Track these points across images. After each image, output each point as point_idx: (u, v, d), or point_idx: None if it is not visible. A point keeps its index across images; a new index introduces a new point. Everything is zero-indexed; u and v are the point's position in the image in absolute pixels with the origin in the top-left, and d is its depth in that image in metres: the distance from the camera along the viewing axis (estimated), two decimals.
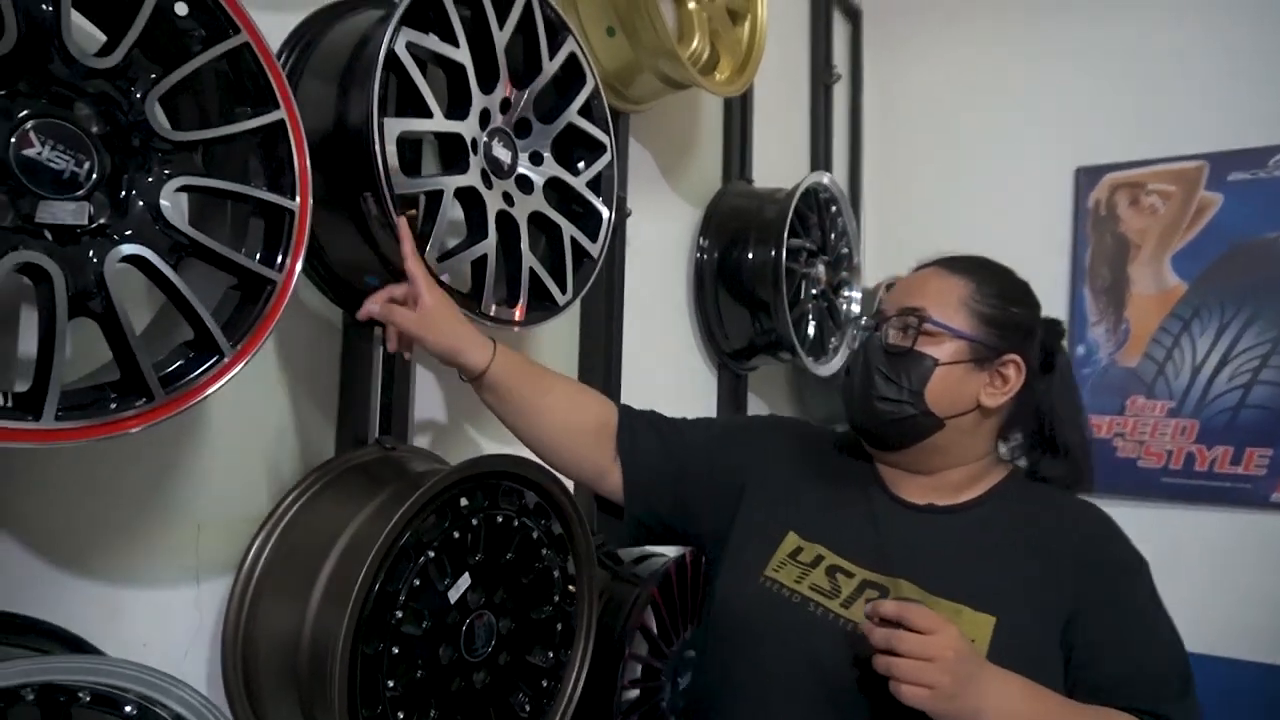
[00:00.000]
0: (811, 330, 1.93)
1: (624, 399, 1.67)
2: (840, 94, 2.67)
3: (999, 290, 1.06)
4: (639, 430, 1.18)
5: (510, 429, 1.14)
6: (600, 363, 1.62)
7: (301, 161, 0.86)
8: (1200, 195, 2.30)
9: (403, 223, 0.96)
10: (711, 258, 1.91)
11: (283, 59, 1.07)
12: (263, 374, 1.09)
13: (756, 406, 2.16)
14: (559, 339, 1.57)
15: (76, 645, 0.89)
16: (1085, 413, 1.13)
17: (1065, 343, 1.13)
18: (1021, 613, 0.96)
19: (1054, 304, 2.49)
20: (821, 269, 1.96)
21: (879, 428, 1.07)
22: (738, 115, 2.06)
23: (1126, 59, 2.43)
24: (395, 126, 0.96)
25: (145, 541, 0.98)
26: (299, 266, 0.86)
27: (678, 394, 1.89)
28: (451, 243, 1.10)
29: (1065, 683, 0.96)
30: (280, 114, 0.84)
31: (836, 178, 2.61)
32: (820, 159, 2.48)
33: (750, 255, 1.84)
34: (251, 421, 1.08)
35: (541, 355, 1.52)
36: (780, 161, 2.30)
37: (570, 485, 1.21)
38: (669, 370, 1.87)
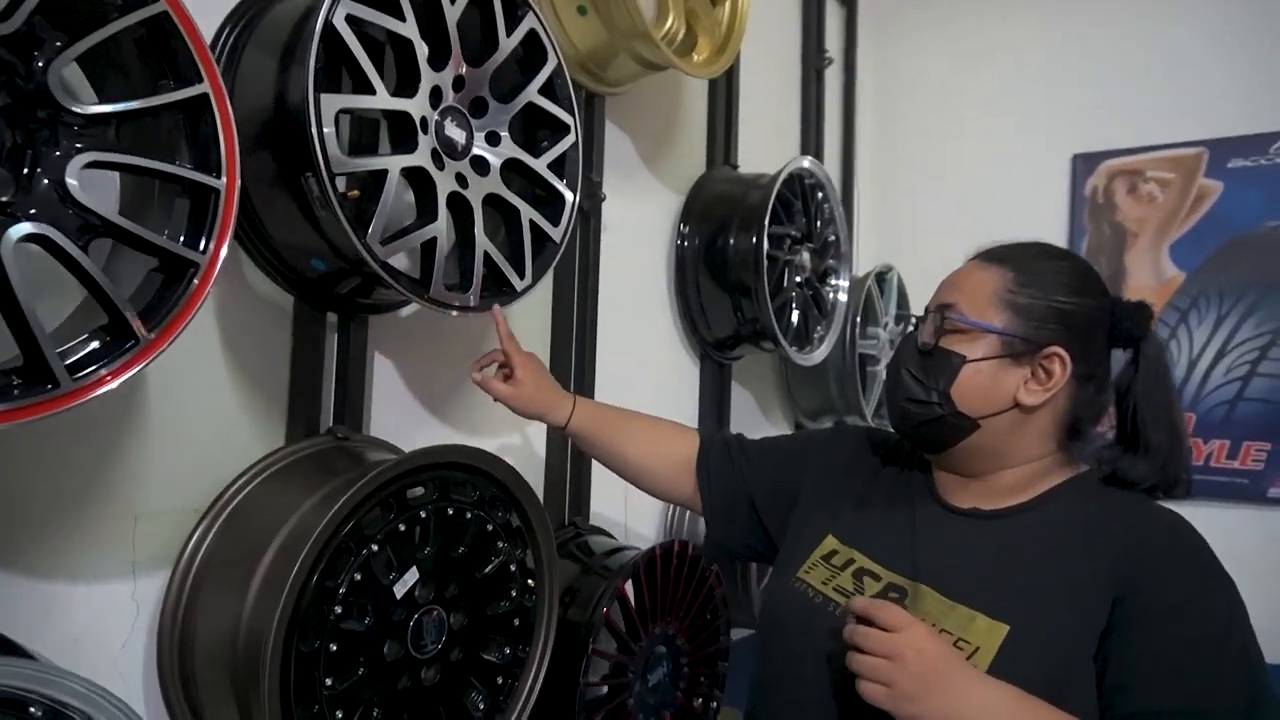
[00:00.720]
0: (795, 319, 1.89)
1: (600, 388, 1.64)
2: (833, 79, 2.62)
3: (1043, 278, 0.96)
4: (714, 460, 1.24)
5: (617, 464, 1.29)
6: (572, 351, 1.58)
7: (228, 138, 0.82)
8: (1199, 183, 2.24)
9: (496, 311, 1.17)
10: (693, 245, 1.86)
11: (226, 32, 1.03)
12: (206, 360, 1.06)
13: (741, 397, 2.12)
14: (531, 326, 1.53)
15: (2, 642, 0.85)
16: (1178, 409, 0.99)
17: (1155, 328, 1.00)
18: (1043, 624, 0.88)
19: None
20: (806, 256, 1.92)
21: (911, 430, 1.02)
22: (722, 99, 2.01)
23: (1125, 43, 2.37)
24: (334, 103, 0.92)
25: (79, 534, 0.94)
26: (225, 248, 0.82)
27: (658, 383, 1.85)
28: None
29: (1100, 704, 0.87)
30: (203, 88, 0.80)
31: (829, 164, 2.57)
32: (811, 145, 2.43)
33: (732, 242, 1.79)
34: (194, 409, 1.05)
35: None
36: (769, 148, 2.25)
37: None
38: (649, 359, 1.84)
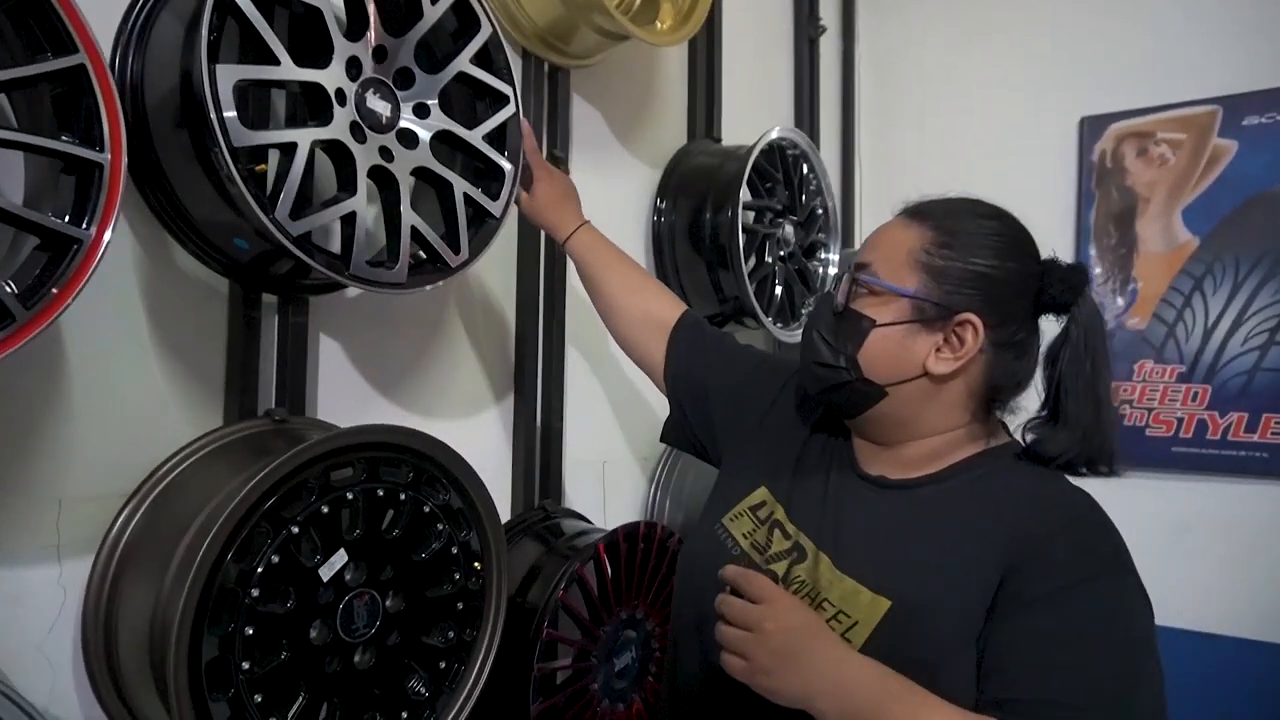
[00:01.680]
0: (778, 294, 1.83)
1: (573, 366, 1.61)
2: (831, 47, 2.55)
3: (964, 239, 0.90)
4: (688, 335, 1.24)
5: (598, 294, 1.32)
6: (539, 335, 1.55)
7: (111, 111, 0.80)
8: (1213, 143, 2.13)
9: (524, 123, 1.21)
10: (670, 220, 1.82)
11: (139, 4, 1.01)
12: (134, 344, 1.05)
13: None
14: (494, 305, 1.50)
15: None
16: (1106, 380, 0.92)
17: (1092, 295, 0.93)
18: (927, 601, 0.83)
19: None
20: (790, 230, 1.86)
21: (819, 394, 0.99)
22: (703, 69, 1.95)
23: (1133, 1, 2.26)
24: (231, 73, 0.89)
25: None
26: (111, 225, 0.80)
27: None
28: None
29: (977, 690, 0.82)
30: (79, 58, 0.78)
31: (827, 137, 2.50)
32: (805, 117, 2.36)
33: (708, 216, 1.74)
34: (123, 393, 1.04)
35: (474, 321, 1.46)
36: (759, 120, 2.18)
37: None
38: None
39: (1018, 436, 0.97)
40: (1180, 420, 2.15)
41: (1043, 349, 0.94)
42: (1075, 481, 0.91)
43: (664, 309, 1.27)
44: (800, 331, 1.84)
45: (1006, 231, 0.93)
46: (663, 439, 1.30)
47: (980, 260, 0.89)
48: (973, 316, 0.89)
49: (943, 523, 0.89)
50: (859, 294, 0.92)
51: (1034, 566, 0.81)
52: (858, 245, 2.48)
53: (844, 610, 0.85)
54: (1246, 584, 2.03)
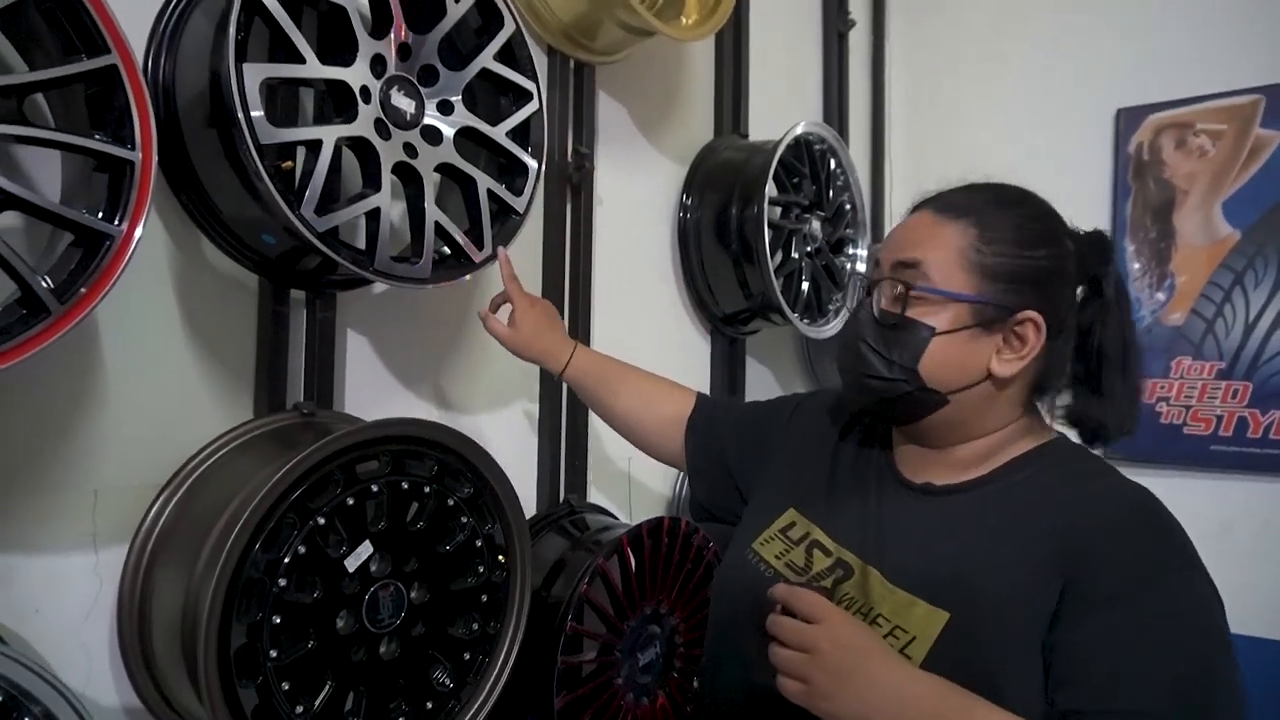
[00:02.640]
0: (805, 290, 1.82)
1: None
2: (861, 41, 2.52)
3: (1010, 232, 0.87)
4: (701, 419, 1.23)
5: (610, 415, 1.30)
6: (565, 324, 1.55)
7: (142, 110, 0.82)
8: (1255, 133, 2.07)
9: (501, 252, 1.18)
10: (696, 216, 1.81)
11: (171, 6, 1.03)
12: (167, 338, 1.07)
13: (756, 373, 2.07)
14: None
15: None
16: (1137, 350, 0.92)
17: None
18: (986, 610, 0.81)
19: None
20: (816, 225, 1.85)
21: (875, 406, 0.95)
22: (730, 64, 1.95)
23: None
24: (258, 72, 0.91)
25: (38, 507, 0.97)
26: (142, 221, 0.82)
27: (663, 360, 1.80)
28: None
29: (1045, 698, 0.79)
30: (111, 59, 0.80)
31: (856, 132, 2.48)
32: (834, 113, 2.34)
33: (734, 211, 1.74)
34: (156, 386, 1.06)
35: (501, 317, 1.47)
36: (787, 116, 2.16)
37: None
38: (654, 335, 1.80)
39: (1059, 432, 0.95)
40: (1220, 418, 2.10)
41: None
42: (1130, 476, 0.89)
43: (677, 407, 1.25)
44: (826, 328, 1.84)
45: (1041, 215, 0.90)
46: (695, 518, 1.30)
47: (1030, 253, 0.87)
48: (1034, 314, 0.86)
49: (995, 527, 0.85)
50: (912, 300, 0.88)
51: (1100, 567, 0.78)
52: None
53: (900, 625, 0.82)
54: None
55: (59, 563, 0.98)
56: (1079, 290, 0.92)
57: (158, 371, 1.06)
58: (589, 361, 1.28)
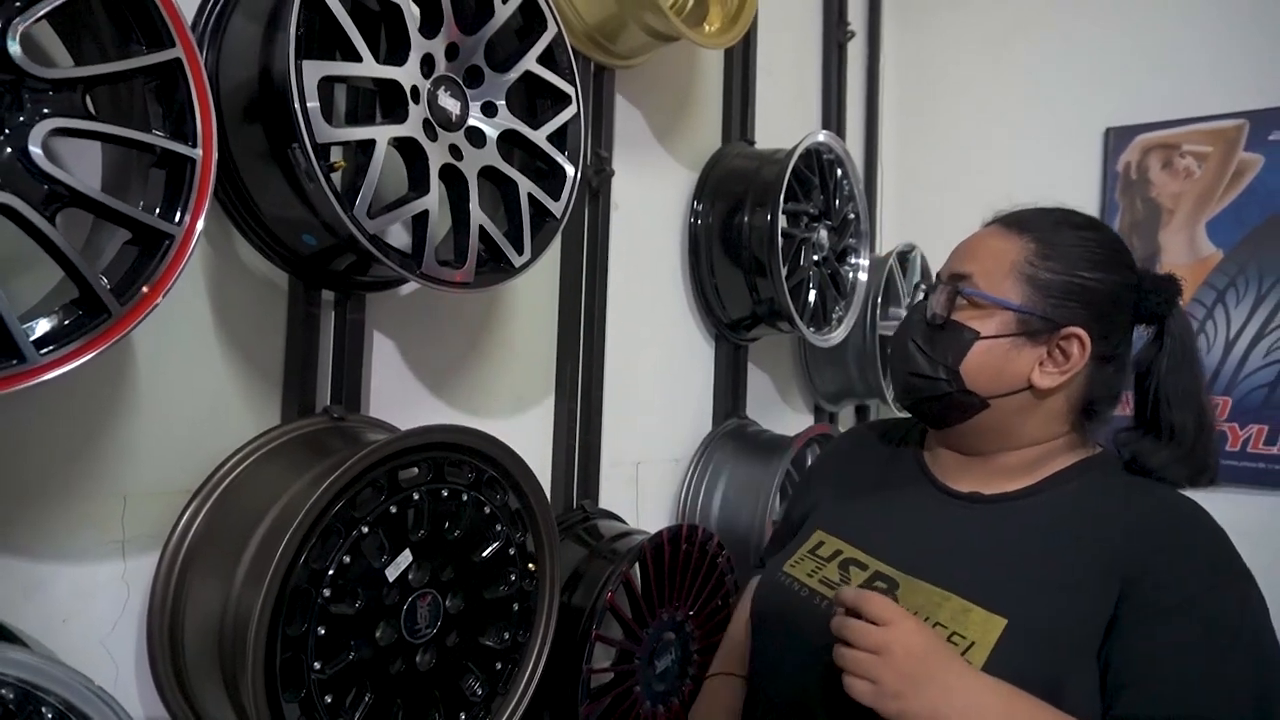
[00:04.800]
0: (812, 299, 1.84)
1: (609, 369, 1.60)
2: (857, 53, 2.55)
3: (1068, 250, 0.90)
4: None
5: None
6: (580, 331, 1.54)
7: (204, 106, 0.80)
8: (1239, 156, 2.15)
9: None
10: (706, 222, 1.82)
11: None
12: (198, 339, 1.04)
13: (758, 379, 2.08)
14: (537, 306, 1.49)
15: None
16: (1204, 391, 0.92)
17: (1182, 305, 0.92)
18: (1043, 617, 0.82)
19: None
20: (824, 234, 1.86)
21: (916, 405, 0.98)
22: (738, 73, 1.95)
23: (1160, 11, 2.27)
24: (316, 70, 0.88)
25: (65, 513, 0.93)
26: (201, 220, 0.79)
27: (670, 364, 1.81)
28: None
29: (1103, 702, 0.81)
30: (175, 52, 0.77)
31: (852, 141, 2.51)
32: (832, 120, 2.37)
33: (746, 219, 1.74)
34: (186, 388, 1.03)
35: (518, 320, 1.46)
36: (788, 123, 2.19)
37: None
38: (661, 340, 1.79)
39: (1105, 445, 0.97)
40: None
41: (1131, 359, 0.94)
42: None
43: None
44: (831, 336, 1.85)
45: (1106, 242, 0.92)
46: None
47: (1084, 273, 0.89)
48: (1079, 330, 0.88)
49: (1048, 535, 0.87)
50: (960, 305, 0.92)
51: (1157, 577, 0.80)
52: (880, 250, 2.49)
53: (958, 631, 0.83)
54: (1269, 597, 2.05)
55: (87, 571, 0.95)
56: (1139, 327, 0.94)
57: (188, 373, 1.03)
58: None
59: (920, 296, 1.01)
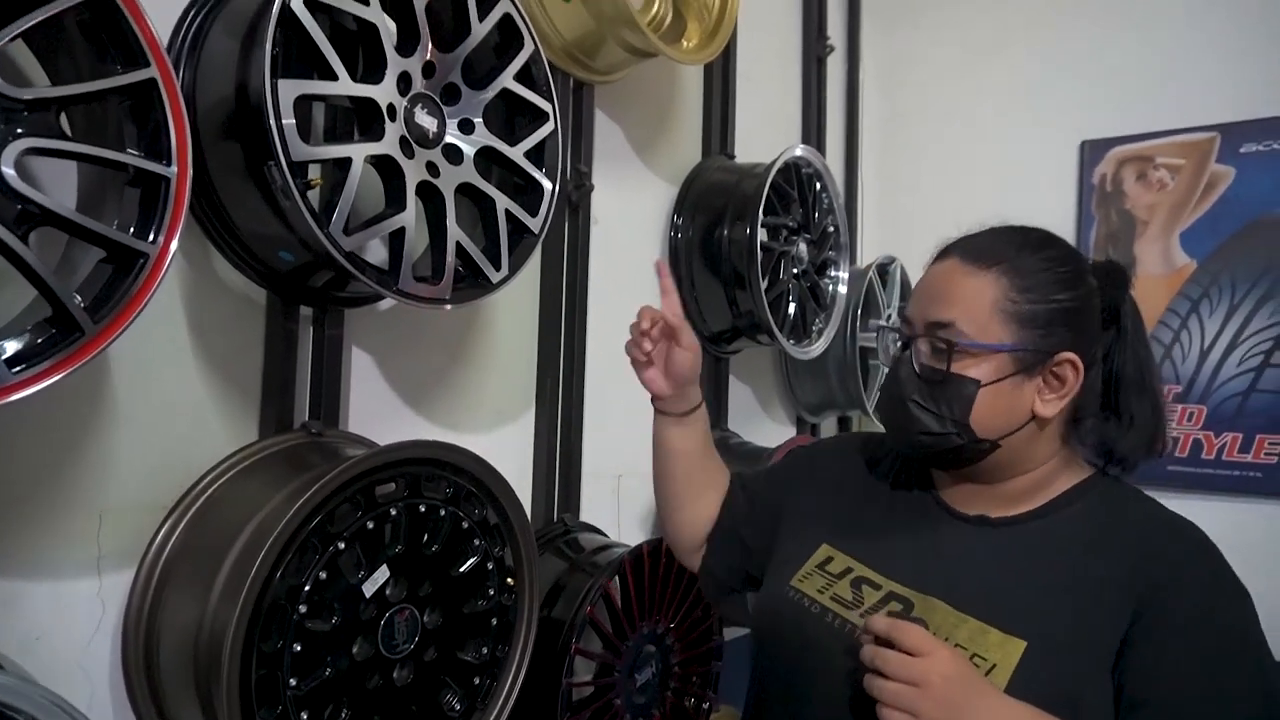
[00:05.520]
0: (792, 311, 1.85)
1: (590, 384, 1.61)
2: (836, 67, 2.57)
3: (1040, 277, 0.90)
4: (721, 511, 1.15)
5: (658, 474, 1.15)
6: (560, 347, 1.55)
7: (179, 124, 0.80)
8: (1212, 168, 2.18)
9: (661, 264, 1.09)
10: (687, 236, 1.83)
11: (191, 15, 1.01)
12: (175, 355, 1.04)
13: (739, 391, 2.09)
14: (517, 320, 1.50)
15: None
16: (1156, 373, 0.94)
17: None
18: (1061, 638, 0.83)
19: None
20: (803, 247, 1.88)
21: (927, 459, 0.97)
22: (718, 87, 1.97)
23: (1134, 27, 2.31)
24: (293, 89, 0.89)
25: (40, 531, 0.93)
26: (176, 238, 0.80)
27: None
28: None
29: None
30: (150, 72, 0.78)
31: (832, 154, 2.53)
32: (812, 134, 2.39)
33: (725, 232, 1.76)
34: (163, 404, 1.03)
35: (498, 334, 1.46)
36: (769, 137, 2.21)
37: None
38: None
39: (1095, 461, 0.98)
40: (1176, 440, 2.19)
41: None
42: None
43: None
44: (811, 349, 1.87)
45: (1067, 258, 0.93)
46: (709, 597, 1.23)
47: (1059, 296, 0.89)
48: (1071, 355, 0.89)
49: (1059, 557, 0.88)
50: (955, 356, 0.89)
51: (1167, 597, 0.82)
52: (861, 261, 2.51)
53: (979, 653, 0.83)
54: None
55: (62, 588, 0.95)
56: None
57: (165, 389, 1.03)
58: (705, 415, 1.14)
59: (895, 343, 0.98)
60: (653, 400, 1.10)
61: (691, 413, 1.10)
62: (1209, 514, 2.24)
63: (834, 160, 2.56)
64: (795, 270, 1.86)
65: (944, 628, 0.86)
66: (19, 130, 0.72)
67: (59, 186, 0.90)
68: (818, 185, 1.92)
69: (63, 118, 0.84)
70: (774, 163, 1.75)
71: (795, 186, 1.84)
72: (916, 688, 0.76)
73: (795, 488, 1.10)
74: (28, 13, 0.72)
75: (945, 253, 0.95)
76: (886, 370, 1.00)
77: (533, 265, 1.51)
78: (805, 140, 2.38)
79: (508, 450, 1.49)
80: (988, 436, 0.90)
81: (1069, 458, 0.95)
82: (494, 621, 1.14)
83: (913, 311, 0.94)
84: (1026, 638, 0.82)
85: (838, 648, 0.88)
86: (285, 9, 0.88)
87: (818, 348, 1.90)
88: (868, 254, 2.62)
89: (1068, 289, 0.90)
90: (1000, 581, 0.88)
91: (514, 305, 1.49)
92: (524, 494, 1.52)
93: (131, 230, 0.79)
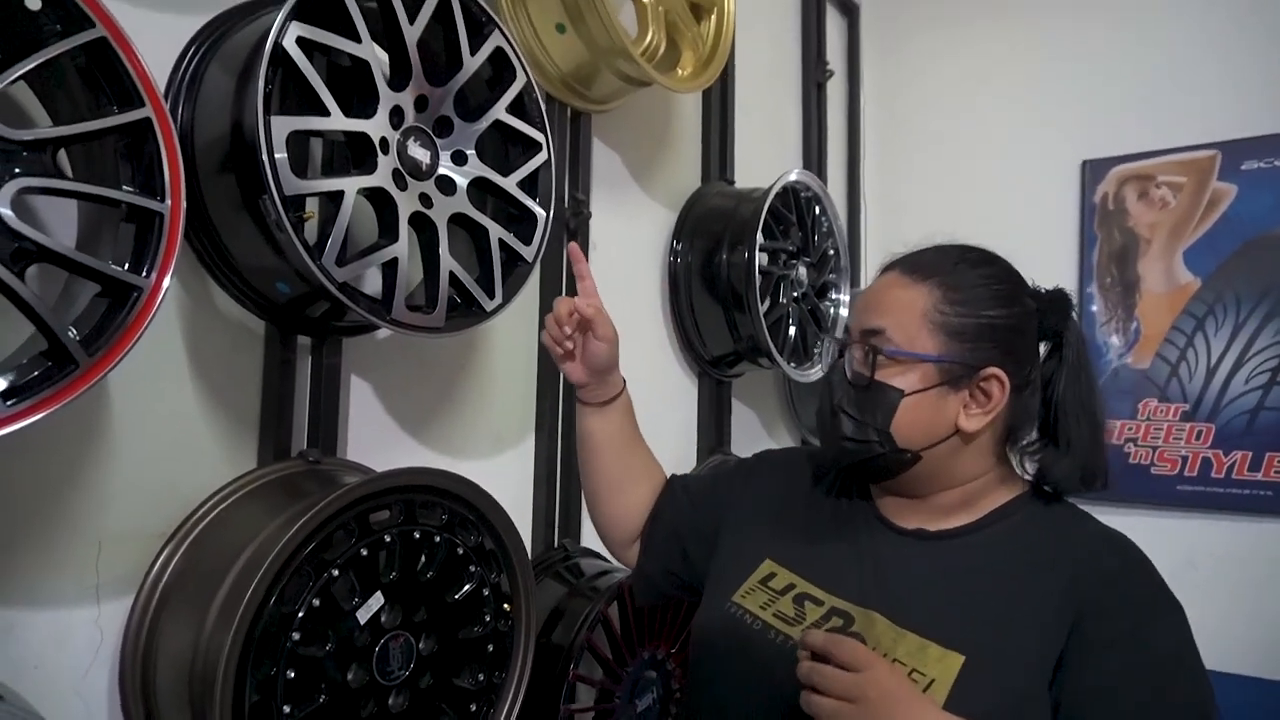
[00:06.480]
0: (792, 334, 1.86)
1: None
2: (837, 91, 2.60)
3: (973, 292, 0.91)
4: (660, 503, 1.16)
5: (582, 463, 1.17)
6: (559, 371, 1.56)
7: (173, 162, 0.82)
8: (1213, 186, 2.18)
9: (574, 250, 1.09)
10: (686, 261, 1.84)
11: (190, 53, 1.04)
12: (174, 385, 1.06)
13: (743, 415, 2.09)
14: (515, 347, 1.52)
15: None
16: (1098, 403, 0.95)
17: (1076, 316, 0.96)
18: (999, 653, 0.83)
19: None
20: (803, 271, 1.89)
21: (851, 467, 0.97)
22: (716, 114, 1.99)
23: (1133, 47, 2.32)
24: (285, 125, 0.91)
25: (40, 558, 0.94)
26: (170, 272, 0.82)
27: (654, 402, 1.83)
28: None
29: None
30: (145, 112, 0.80)
31: (834, 178, 2.55)
32: (813, 159, 2.41)
33: (724, 257, 1.77)
34: (162, 433, 1.04)
35: (497, 361, 1.48)
36: (770, 162, 2.23)
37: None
38: (644, 377, 1.80)
39: (1015, 464, 0.99)
40: (1185, 458, 2.18)
41: None
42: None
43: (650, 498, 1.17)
44: (812, 372, 1.87)
45: (1005, 276, 0.94)
46: (641, 600, 1.21)
47: (991, 311, 0.90)
48: (998, 371, 0.89)
49: (996, 571, 0.89)
50: (880, 363, 0.90)
51: (1102, 611, 0.83)
52: (864, 284, 2.52)
53: (917, 668, 0.83)
54: (1251, 621, 2.04)
55: (61, 616, 0.96)
56: (1042, 346, 0.96)
57: (164, 419, 1.05)
58: (629, 401, 1.16)
59: (835, 351, 0.99)
60: (576, 391, 1.12)
61: (611, 402, 1.12)
62: (1219, 533, 2.24)
63: (836, 183, 2.58)
64: (795, 293, 1.87)
65: (883, 643, 0.86)
66: (16, 170, 0.74)
67: (63, 222, 0.93)
68: (816, 209, 1.94)
69: (63, 156, 0.87)
70: (771, 187, 1.76)
71: (794, 210, 1.85)
72: (853, 703, 0.76)
73: (738, 497, 1.10)
74: (29, 55, 0.75)
75: (889, 266, 0.97)
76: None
77: (531, 291, 1.53)
78: (806, 164, 2.39)
79: (508, 475, 1.50)
80: (909, 447, 0.91)
81: (1005, 475, 0.96)
82: (490, 648, 1.14)
83: (851, 320, 0.97)
84: (965, 652, 0.83)
85: (780, 665, 0.87)
86: (278, 48, 0.90)
87: (818, 370, 1.91)
88: (871, 277, 2.63)
89: (1001, 306, 0.91)
90: (939, 596, 0.88)
91: (513, 331, 1.51)
92: (524, 519, 1.52)
93: (126, 265, 0.81)
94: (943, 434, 0.91)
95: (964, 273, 0.92)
